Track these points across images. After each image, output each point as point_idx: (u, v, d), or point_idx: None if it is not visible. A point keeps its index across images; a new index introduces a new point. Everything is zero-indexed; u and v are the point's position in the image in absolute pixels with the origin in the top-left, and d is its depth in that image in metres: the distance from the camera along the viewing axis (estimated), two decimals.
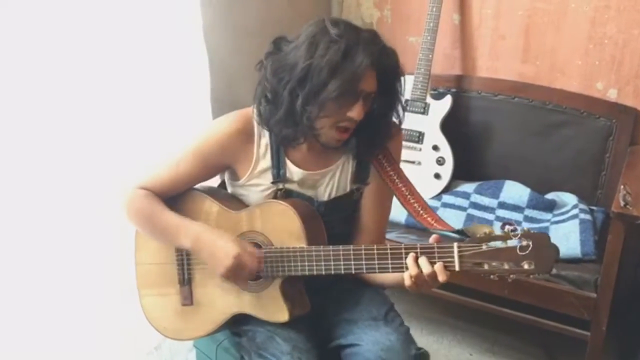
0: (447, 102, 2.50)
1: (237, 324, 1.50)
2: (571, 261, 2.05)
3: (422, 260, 1.25)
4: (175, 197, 1.51)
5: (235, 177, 1.52)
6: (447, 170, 2.49)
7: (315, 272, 1.36)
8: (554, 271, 2.01)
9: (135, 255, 1.58)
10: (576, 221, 2.19)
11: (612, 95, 2.41)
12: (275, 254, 1.40)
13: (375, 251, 1.31)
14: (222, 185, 1.64)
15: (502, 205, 2.37)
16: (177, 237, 1.43)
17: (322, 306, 1.54)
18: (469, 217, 2.30)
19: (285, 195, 1.47)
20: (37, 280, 1.72)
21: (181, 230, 1.42)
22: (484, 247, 1.21)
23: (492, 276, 1.23)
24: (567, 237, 2.11)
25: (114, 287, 1.87)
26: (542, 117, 2.48)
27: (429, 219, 1.45)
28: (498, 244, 1.21)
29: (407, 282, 1.28)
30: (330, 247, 1.35)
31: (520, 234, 1.20)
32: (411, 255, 1.26)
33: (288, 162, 1.47)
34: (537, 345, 2.41)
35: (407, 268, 1.27)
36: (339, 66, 1.28)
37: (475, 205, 2.38)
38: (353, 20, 2.84)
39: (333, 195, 1.50)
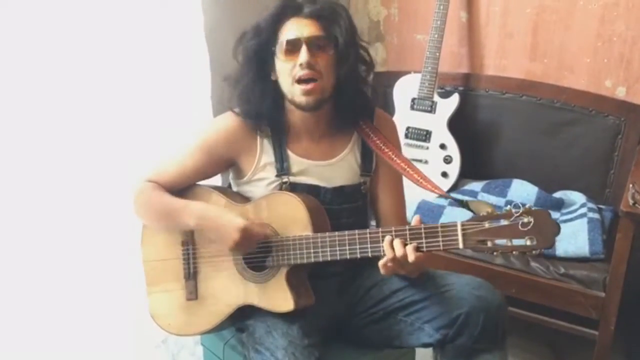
0: (454, 100, 2.50)
1: (241, 319, 1.51)
2: (579, 260, 2.04)
3: (396, 243, 1.29)
4: (180, 192, 1.54)
5: (240, 174, 1.55)
6: (454, 169, 2.48)
7: (321, 259, 1.39)
8: (562, 270, 2.01)
9: (142, 253, 1.59)
10: (584, 220, 2.18)
11: (620, 93, 2.39)
12: (281, 243, 1.42)
13: (380, 234, 1.33)
14: (229, 187, 1.66)
15: (510, 204, 2.33)
16: (181, 218, 1.46)
17: (340, 289, 1.57)
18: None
19: (290, 188, 1.50)
20: (48, 274, 1.74)
21: (187, 210, 1.46)
22: (487, 224, 1.25)
23: (494, 253, 1.26)
24: (575, 236, 2.10)
25: (123, 281, 1.87)
26: (550, 115, 2.47)
27: (429, 185, 1.50)
28: (501, 221, 1.24)
29: (382, 270, 1.33)
30: (336, 233, 1.38)
31: (521, 211, 1.23)
32: (387, 239, 1.30)
33: (290, 154, 1.51)
34: (544, 345, 2.40)
35: (383, 253, 1.32)
36: (259, 23, 1.46)
37: None
38: (360, 18, 2.87)
39: (340, 184, 1.53)
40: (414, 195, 2.09)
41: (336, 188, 1.52)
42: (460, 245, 1.26)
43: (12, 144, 1.62)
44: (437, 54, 2.46)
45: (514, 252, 1.26)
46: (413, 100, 2.52)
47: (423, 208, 2.34)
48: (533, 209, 1.23)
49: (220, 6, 2.12)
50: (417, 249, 1.29)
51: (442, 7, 2.45)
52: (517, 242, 1.23)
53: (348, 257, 1.36)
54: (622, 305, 1.93)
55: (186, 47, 2.03)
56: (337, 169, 1.54)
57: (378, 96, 2.62)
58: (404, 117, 2.52)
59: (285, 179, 1.50)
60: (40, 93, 1.65)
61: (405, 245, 1.29)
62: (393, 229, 1.33)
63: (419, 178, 1.50)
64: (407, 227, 1.31)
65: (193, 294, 1.54)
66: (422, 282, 1.47)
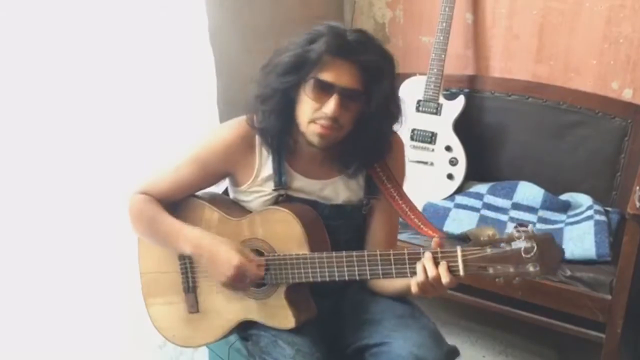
0: (460, 102, 2.49)
1: (244, 328, 1.50)
2: (586, 263, 2.03)
3: (428, 264, 1.23)
4: (175, 205, 1.50)
5: (237, 183, 1.51)
6: (460, 171, 2.48)
7: (319, 279, 1.35)
8: (569, 273, 2.00)
9: (139, 265, 1.57)
10: (591, 222, 2.17)
11: (627, 95, 2.38)
12: (277, 261, 1.38)
13: (379, 257, 1.29)
14: (226, 192, 1.62)
15: (516, 206, 2.35)
16: (177, 243, 1.42)
17: (335, 309, 1.53)
18: (482, 219, 2.28)
19: (286, 200, 1.46)
20: (47, 276, 1.74)
21: (181, 235, 1.41)
22: (488, 250, 1.19)
23: (497, 279, 1.21)
24: (582, 239, 2.09)
25: (123, 284, 1.87)
26: (556, 117, 2.46)
27: (430, 232, 1.42)
28: (502, 247, 1.19)
29: (414, 288, 1.26)
30: (334, 254, 1.33)
31: (523, 235, 1.18)
32: (420, 261, 1.24)
33: (290, 169, 1.47)
34: (551, 348, 2.39)
35: (413, 274, 1.26)
36: (301, 52, 1.33)
37: (488, 206, 2.36)
38: (365, 20, 2.87)
39: (339, 202, 1.49)
40: (420, 195, 2.09)
41: (335, 205, 1.49)
42: (461, 273, 1.21)
43: (15, 144, 1.63)
44: (443, 56, 2.45)
45: (516, 279, 1.20)
46: (418, 102, 2.52)
47: (429, 210, 2.33)
48: (536, 233, 1.18)
49: (224, 7, 2.12)
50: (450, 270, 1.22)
51: (447, 9, 2.45)
52: (520, 268, 1.18)
53: (347, 278, 1.32)
54: (629, 308, 1.92)
55: (190, 49, 2.03)
56: (337, 187, 1.49)
57: None
58: (409, 119, 2.51)
59: (282, 192, 1.46)
60: (44, 95, 1.65)
61: (437, 265, 1.23)
62: (378, 252, 1.29)
63: (419, 223, 1.44)
64: (405, 250, 1.27)
65: (194, 307, 1.52)
66: (378, 322, 1.44)
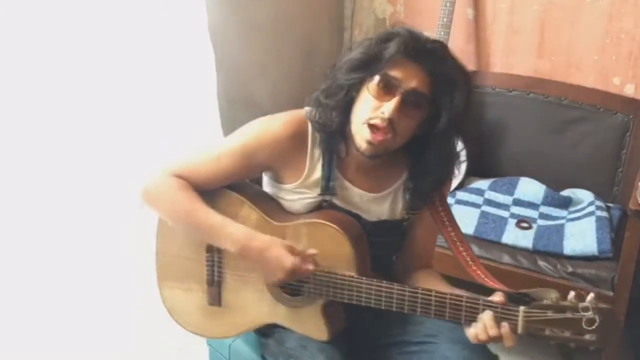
0: None
1: (267, 326, 1.44)
2: (587, 259, 2.03)
3: (490, 323, 1.18)
4: (209, 195, 1.40)
5: (280, 179, 1.42)
6: (461, 167, 2.46)
7: (363, 304, 1.29)
8: (570, 269, 2.00)
9: (157, 243, 1.49)
10: (592, 218, 2.17)
11: (629, 90, 2.38)
12: (322, 276, 1.31)
13: (433, 298, 1.22)
14: (259, 180, 1.53)
15: (517, 202, 2.35)
16: (219, 240, 1.35)
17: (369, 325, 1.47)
18: (483, 215, 2.28)
19: (329, 207, 1.38)
20: (47, 276, 1.74)
21: (223, 231, 1.34)
22: (550, 314, 1.17)
23: (551, 342, 1.20)
24: (583, 235, 2.09)
25: (119, 286, 1.87)
26: (557, 113, 2.46)
27: (479, 272, 1.34)
28: (566, 313, 1.16)
29: (472, 339, 1.21)
30: (384, 283, 1.27)
31: (589, 306, 1.14)
32: (482, 320, 1.19)
33: (339, 176, 1.38)
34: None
35: (468, 320, 1.21)
36: (373, 49, 1.26)
37: (489, 202, 2.35)
38: (365, 15, 2.86)
39: (382, 218, 1.42)
40: None
41: (377, 222, 1.41)
42: (519, 330, 1.18)
43: (17, 139, 1.63)
44: None
45: (571, 344, 1.19)
46: None
47: None
48: (600, 305, 1.14)
49: (224, 3, 2.11)
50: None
51: (448, 4, 2.44)
52: (577, 336, 1.16)
53: (394, 309, 1.26)
54: (631, 304, 1.92)
55: (190, 46, 2.02)
56: (382, 202, 1.41)
57: None
58: None
59: (327, 198, 1.37)
60: (44, 94, 1.65)
61: (499, 324, 1.18)
62: (434, 292, 1.23)
63: (482, 276, 1.34)
64: (464, 297, 1.21)
65: (216, 300, 1.44)
66: (420, 322, 1.39)
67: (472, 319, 1.20)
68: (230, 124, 2.04)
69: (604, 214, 2.20)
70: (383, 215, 1.41)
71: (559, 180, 2.45)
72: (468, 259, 1.36)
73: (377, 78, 1.25)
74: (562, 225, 2.19)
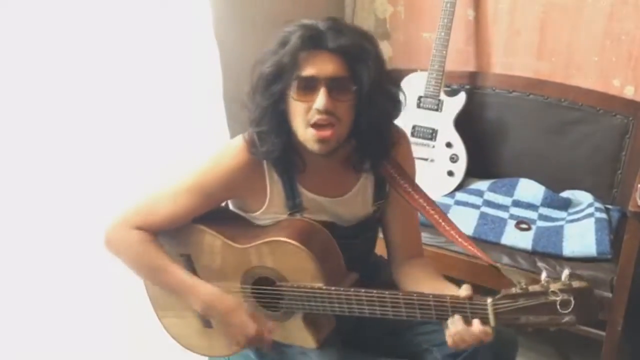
0: (461, 98, 2.48)
1: None
2: (586, 260, 2.02)
3: (459, 325, 1.18)
4: (172, 230, 1.41)
5: (247, 208, 1.42)
6: (460, 168, 2.47)
7: (337, 313, 1.30)
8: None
9: (145, 284, 1.52)
10: (591, 220, 2.16)
11: (629, 92, 2.37)
12: (292, 290, 1.33)
13: (401, 299, 1.23)
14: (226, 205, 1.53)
15: (516, 204, 2.35)
16: (186, 297, 1.36)
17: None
18: (482, 216, 2.28)
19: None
20: (46, 277, 1.74)
21: (191, 291, 1.35)
22: (521, 301, 1.14)
23: (529, 328, 1.16)
24: (583, 236, 2.09)
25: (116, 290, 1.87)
26: (557, 114, 2.45)
27: (451, 232, 1.37)
28: (537, 298, 1.13)
29: (450, 343, 1.21)
30: (352, 290, 1.28)
31: (559, 288, 1.11)
32: (453, 322, 1.19)
33: (302, 191, 1.38)
34: (550, 345, 2.39)
35: (439, 318, 1.21)
36: (276, 58, 1.26)
37: (488, 204, 2.35)
38: (366, 15, 2.86)
39: (357, 219, 1.43)
40: None
41: (354, 224, 1.43)
42: (492, 324, 1.17)
43: (18, 140, 1.63)
44: (444, 52, 2.44)
45: (551, 329, 1.15)
46: (419, 98, 2.51)
47: None
48: (574, 285, 1.12)
49: (229, 4, 2.10)
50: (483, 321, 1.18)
51: (449, 4, 2.44)
52: (554, 320, 1.13)
53: (367, 315, 1.28)
54: (630, 305, 1.91)
55: (195, 44, 2.01)
56: (350, 203, 1.42)
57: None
58: (410, 116, 2.51)
59: (298, 216, 1.37)
60: (46, 94, 1.65)
61: (467, 321, 1.18)
62: (401, 294, 1.24)
63: (438, 219, 1.38)
64: (430, 296, 1.21)
65: (207, 323, 1.46)
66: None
67: (444, 317, 1.21)
68: (236, 124, 2.04)
69: (603, 215, 2.20)
70: (358, 215, 1.43)
71: (558, 181, 2.44)
72: (440, 220, 1.38)
73: (295, 84, 1.25)
74: (561, 227, 2.19)
